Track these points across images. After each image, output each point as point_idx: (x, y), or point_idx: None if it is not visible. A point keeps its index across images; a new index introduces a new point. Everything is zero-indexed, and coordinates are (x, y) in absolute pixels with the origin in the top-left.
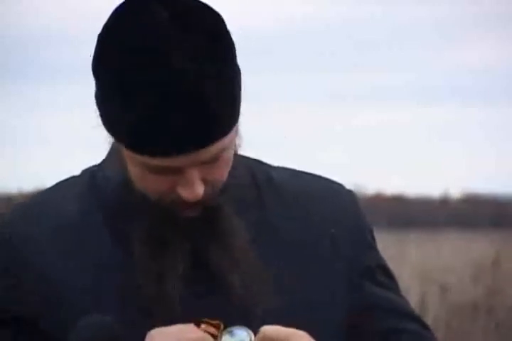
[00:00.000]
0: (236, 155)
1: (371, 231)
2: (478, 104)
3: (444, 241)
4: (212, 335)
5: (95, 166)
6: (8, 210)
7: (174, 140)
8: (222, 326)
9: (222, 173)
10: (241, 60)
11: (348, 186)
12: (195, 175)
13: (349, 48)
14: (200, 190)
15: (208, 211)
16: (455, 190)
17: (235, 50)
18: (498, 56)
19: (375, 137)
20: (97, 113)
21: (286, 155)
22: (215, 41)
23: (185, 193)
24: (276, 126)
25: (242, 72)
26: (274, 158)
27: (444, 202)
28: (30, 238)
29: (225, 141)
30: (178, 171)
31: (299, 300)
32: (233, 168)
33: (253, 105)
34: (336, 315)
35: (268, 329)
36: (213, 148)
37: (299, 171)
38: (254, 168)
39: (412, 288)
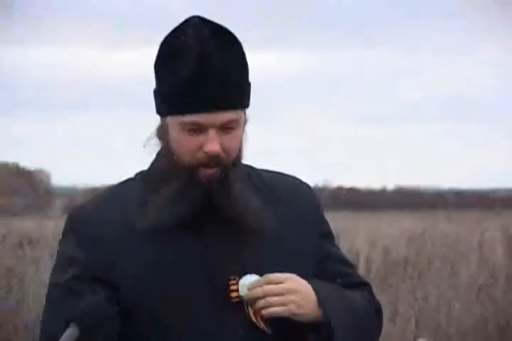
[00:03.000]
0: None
1: (323, 212)
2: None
3: (384, 218)
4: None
5: (144, 170)
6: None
7: (204, 101)
8: (237, 278)
9: (234, 144)
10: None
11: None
12: (215, 134)
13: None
14: (217, 146)
15: (222, 174)
16: (390, 184)
17: (244, 51)
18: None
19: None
20: (154, 108)
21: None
22: (235, 43)
23: (207, 147)
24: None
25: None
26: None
27: (383, 193)
28: (93, 219)
29: (237, 114)
30: (204, 131)
31: (287, 251)
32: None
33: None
34: (310, 261)
35: (270, 275)
36: (228, 115)
37: (276, 172)
38: (249, 171)
39: (362, 251)
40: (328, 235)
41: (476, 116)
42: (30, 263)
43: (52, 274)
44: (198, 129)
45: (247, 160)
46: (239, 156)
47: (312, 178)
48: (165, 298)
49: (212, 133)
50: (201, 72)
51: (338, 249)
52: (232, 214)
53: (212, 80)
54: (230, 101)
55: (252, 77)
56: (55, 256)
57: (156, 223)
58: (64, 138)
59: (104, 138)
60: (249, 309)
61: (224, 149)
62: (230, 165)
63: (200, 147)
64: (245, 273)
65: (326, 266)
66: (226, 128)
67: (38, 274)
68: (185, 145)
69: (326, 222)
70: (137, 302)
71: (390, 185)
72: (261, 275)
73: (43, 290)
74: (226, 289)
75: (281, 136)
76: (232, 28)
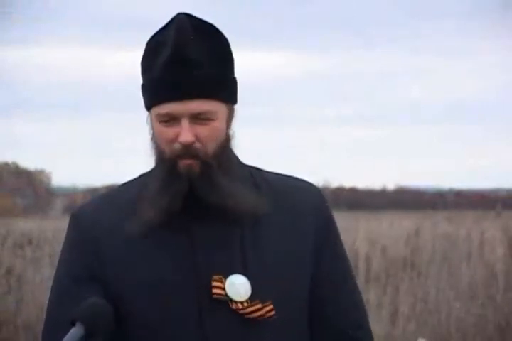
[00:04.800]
0: (241, 163)
1: (329, 211)
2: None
3: (384, 218)
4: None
5: (147, 172)
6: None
7: (174, 90)
8: (223, 277)
9: (210, 136)
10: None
11: (328, 182)
12: (187, 124)
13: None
14: (189, 135)
15: (203, 166)
16: (390, 184)
17: (229, 49)
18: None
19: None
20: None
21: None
22: (218, 38)
23: (180, 137)
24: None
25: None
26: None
27: (383, 193)
28: (95, 219)
29: (211, 105)
30: (178, 121)
31: (279, 251)
32: (238, 171)
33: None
34: (304, 262)
35: None
36: (199, 104)
37: (282, 174)
38: (253, 172)
39: (361, 250)
40: (329, 241)
41: (476, 116)
42: (30, 263)
43: (55, 273)
44: (172, 120)
45: (247, 160)
46: (223, 151)
47: (312, 178)
48: (151, 298)
49: (184, 123)
50: (174, 61)
51: (342, 255)
52: (214, 200)
53: (183, 69)
54: (200, 91)
55: (253, 78)
56: (55, 256)
57: (144, 222)
58: (64, 138)
59: (104, 138)
60: (234, 306)
61: (199, 140)
62: (210, 159)
63: (176, 138)
64: (232, 272)
65: (322, 281)
66: (201, 119)
67: (38, 274)
68: (162, 136)
69: (332, 226)
70: (126, 302)
71: (390, 185)
72: (247, 273)
73: (42, 290)
74: (209, 287)
75: (281, 136)
76: (223, 29)
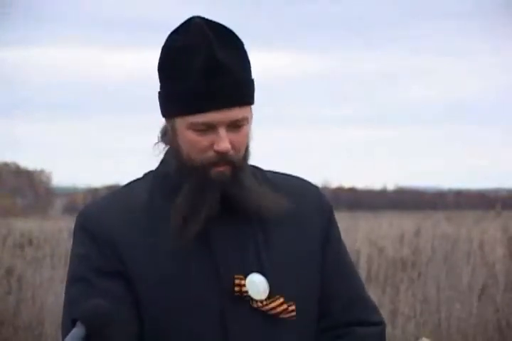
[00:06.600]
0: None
1: (332, 210)
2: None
3: (384, 218)
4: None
5: (152, 170)
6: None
7: (214, 100)
8: (243, 276)
9: (243, 142)
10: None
11: (329, 182)
12: (224, 132)
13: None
14: (227, 143)
15: (234, 172)
16: (390, 184)
17: (245, 50)
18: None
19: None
20: (160, 113)
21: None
22: (238, 41)
23: (219, 146)
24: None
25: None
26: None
27: (383, 193)
28: (103, 218)
29: (246, 111)
30: (213, 129)
31: (291, 251)
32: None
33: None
34: (314, 261)
35: None
36: (238, 112)
37: (282, 173)
38: (255, 172)
39: (361, 250)
40: (333, 239)
41: (476, 117)
42: (31, 264)
43: (67, 272)
44: (208, 128)
45: (249, 160)
46: (247, 153)
47: (312, 178)
48: (173, 298)
49: (222, 131)
50: (209, 70)
51: (345, 254)
52: (248, 204)
53: (220, 78)
54: (238, 98)
55: (254, 78)
56: (55, 257)
57: (180, 237)
58: (64, 138)
59: (104, 138)
60: (255, 304)
61: (233, 147)
62: (240, 163)
63: (211, 146)
64: (250, 272)
65: (327, 278)
66: (235, 125)
67: (38, 274)
68: (196, 145)
69: (334, 225)
70: (145, 301)
71: (390, 185)
72: (264, 273)
73: (42, 291)
74: (231, 286)
75: (281, 136)
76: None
